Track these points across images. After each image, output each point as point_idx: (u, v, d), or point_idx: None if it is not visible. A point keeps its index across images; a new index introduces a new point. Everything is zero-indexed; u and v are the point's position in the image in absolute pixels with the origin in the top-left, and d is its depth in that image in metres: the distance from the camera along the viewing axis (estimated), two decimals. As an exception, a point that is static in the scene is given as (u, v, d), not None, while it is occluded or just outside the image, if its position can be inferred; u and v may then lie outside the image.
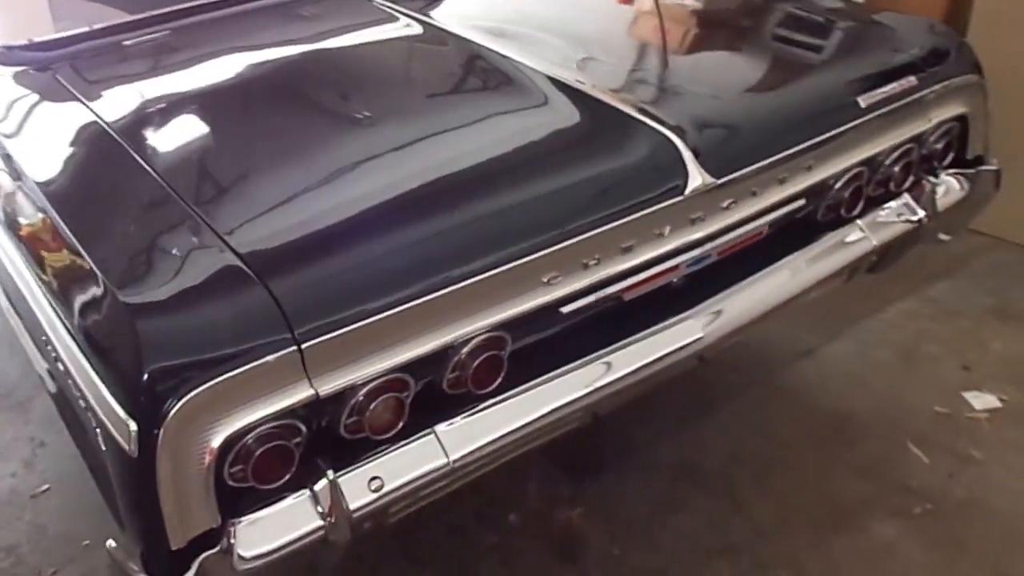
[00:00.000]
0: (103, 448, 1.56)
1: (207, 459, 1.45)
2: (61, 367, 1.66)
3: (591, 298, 1.81)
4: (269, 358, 1.45)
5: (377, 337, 1.56)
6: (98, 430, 1.55)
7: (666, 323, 1.92)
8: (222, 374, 1.42)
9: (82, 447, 1.79)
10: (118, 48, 2.40)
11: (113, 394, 1.46)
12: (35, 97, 2.21)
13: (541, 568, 2.49)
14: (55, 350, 1.67)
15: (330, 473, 1.57)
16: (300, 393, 1.50)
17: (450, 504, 2.54)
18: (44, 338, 1.72)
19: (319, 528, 1.55)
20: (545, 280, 1.71)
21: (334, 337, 1.50)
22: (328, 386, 1.53)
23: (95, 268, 1.57)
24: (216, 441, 1.45)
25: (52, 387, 1.87)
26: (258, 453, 1.49)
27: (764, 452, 2.77)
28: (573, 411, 1.81)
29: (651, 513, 2.62)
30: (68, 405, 1.74)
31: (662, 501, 2.65)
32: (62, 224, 1.71)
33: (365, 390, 1.57)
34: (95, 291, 1.56)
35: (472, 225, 1.69)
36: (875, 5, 3.60)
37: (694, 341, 1.92)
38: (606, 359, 1.86)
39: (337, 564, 1.75)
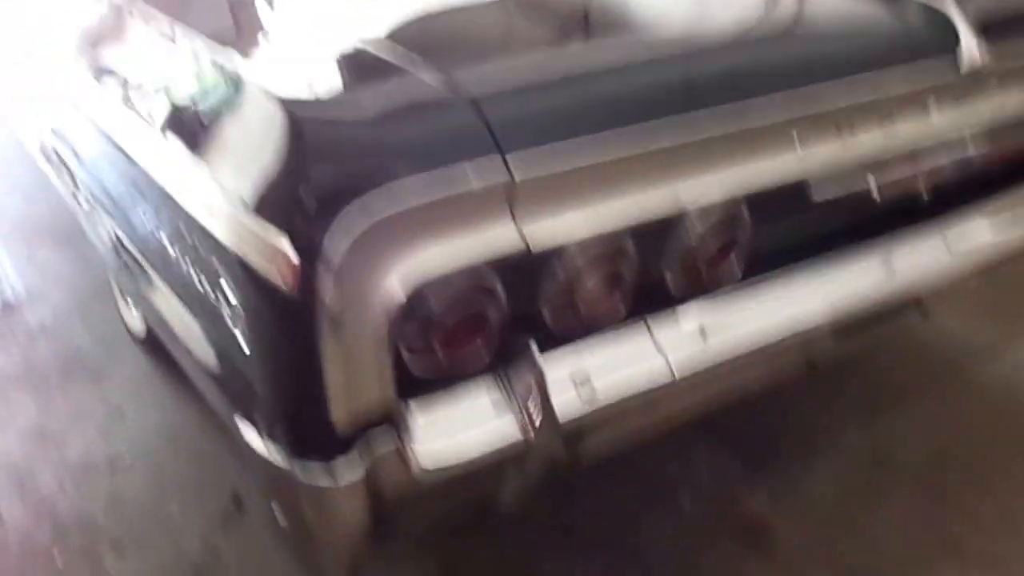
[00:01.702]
0: (239, 297, 1.24)
1: (389, 309, 1.11)
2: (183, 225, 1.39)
3: (841, 185, 1.57)
4: (473, 184, 1.12)
5: (602, 184, 1.25)
6: (234, 275, 1.23)
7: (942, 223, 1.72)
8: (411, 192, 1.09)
9: (208, 328, 1.47)
10: None
11: (270, 218, 1.12)
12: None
13: (729, 559, 2.09)
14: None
15: (536, 353, 1.24)
16: (506, 240, 1.17)
17: (608, 483, 2.22)
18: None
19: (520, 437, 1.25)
20: (795, 137, 1.43)
21: (552, 172, 1.18)
22: (540, 238, 1.20)
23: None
24: (401, 285, 1.10)
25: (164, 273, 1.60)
26: (452, 315, 1.17)
27: (970, 452, 2.39)
28: (828, 324, 1.56)
29: (848, 504, 2.22)
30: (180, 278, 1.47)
31: (860, 492, 2.26)
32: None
33: (583, 254, 1.25)
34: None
35: (722, 61, 1.44)
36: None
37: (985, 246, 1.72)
38: (871, 260, 1.64)
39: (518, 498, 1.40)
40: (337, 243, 1.05)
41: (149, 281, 1.69)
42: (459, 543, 2.09)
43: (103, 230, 1.94)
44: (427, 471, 1.19)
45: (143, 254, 1.69)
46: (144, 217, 1.60)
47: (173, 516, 2.21)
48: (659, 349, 1.38)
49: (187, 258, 1.41)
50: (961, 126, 1.67)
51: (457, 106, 1.19)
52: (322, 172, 1.09)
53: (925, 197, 1.73)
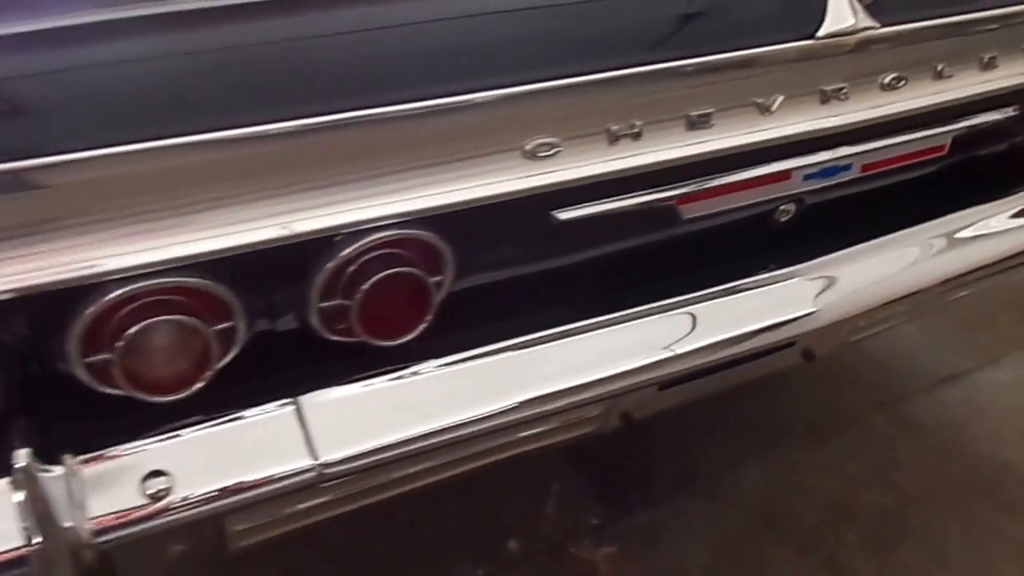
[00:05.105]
0: None
1: None
2: None
3: (612, 202, 1.12)
4: None
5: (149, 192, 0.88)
6: None
7: (758, 278, 1.28)
8: None
9: None
10: None
11: None
12: None
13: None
14: None
15: (22, 456, 0.88)
16: None
17: (423, 516, 1.88)
18: None
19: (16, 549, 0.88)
20: (529, 148, 1.02)
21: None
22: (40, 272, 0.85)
23: None
24: None
25: None
26: None
27: (885, 508, 1.99)
28: (562, 405, 1.14)
29: (715, 569, 1.85)
30: None
31: (733, 554, 1.88)
32: None
33: (116, 296, 0.88)
34: None
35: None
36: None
37: (801, 319, 1.26)
38: (641, 322, 1.21)
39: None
40: None
41: None
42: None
43: None
44: None
45: None
46: None
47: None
48: (302, 424, 1.01)
49: None
50: (822, 127, 1.20)
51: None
52: None
53: (780, 221, 1.32)
